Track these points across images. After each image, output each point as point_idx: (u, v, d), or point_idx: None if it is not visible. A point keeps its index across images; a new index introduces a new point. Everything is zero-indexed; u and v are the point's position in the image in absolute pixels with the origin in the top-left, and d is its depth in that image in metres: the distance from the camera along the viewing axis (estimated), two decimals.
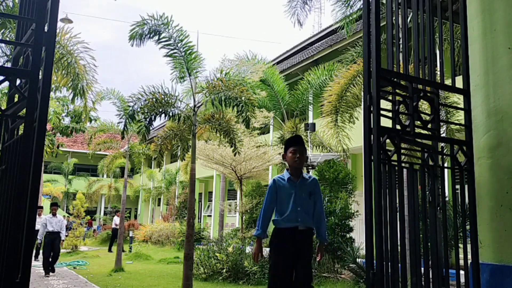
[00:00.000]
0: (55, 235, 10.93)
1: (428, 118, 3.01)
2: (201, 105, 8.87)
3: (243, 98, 8.10)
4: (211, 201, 24.29)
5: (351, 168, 14.01)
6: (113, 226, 19.62)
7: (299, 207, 3.91)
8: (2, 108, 2.37)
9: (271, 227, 4.02)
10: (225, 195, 20.39)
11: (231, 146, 9.13)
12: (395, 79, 2.96)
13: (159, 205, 31.91)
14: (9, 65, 6.21)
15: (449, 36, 3.59)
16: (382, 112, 2.76)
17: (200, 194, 26.55)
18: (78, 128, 20.59)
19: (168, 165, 29.14)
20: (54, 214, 11.10)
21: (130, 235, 19.17)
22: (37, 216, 13.96)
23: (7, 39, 8.09)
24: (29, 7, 2.42)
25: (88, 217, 27.24)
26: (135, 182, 34.75)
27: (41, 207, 15.24)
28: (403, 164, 2.85)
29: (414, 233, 2.81)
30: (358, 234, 11.27)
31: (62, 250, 16.78)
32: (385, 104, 2.82)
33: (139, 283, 9.72)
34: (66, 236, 17.14)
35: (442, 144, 3.27)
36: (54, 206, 11.57)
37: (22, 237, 2.05)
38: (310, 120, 14.76)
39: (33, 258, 13.61)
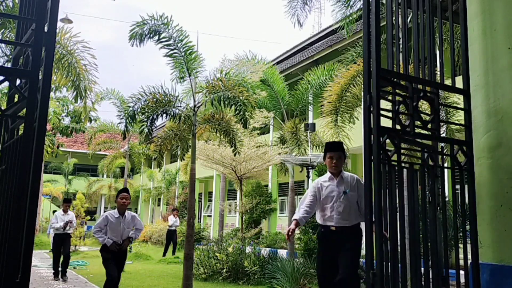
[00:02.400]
0: (122, 252, 6.33)
1: (428, 118, 3.01)
2: (201, 105, 8.87)
3: (241, 98, 8.11)
4: (211, 201, 24.28)
5: (351, 168, 14.01)
6: (169, 227, 16.30)
7: None
8: (2, 108, 2.37)
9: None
10: (225, 195, 20.39)
11: (231, 146, 9.13)
12: (395, 79, 2.96)
13: (159, 205, 31.90)
14: (9, 65, 6.22)
15: (449, 36, 3.59)
16: (382, 112, 2.76)
17: (200, 194, 26.55)
18: (78, 128, 20.61)
19: (168, 165, 29.12)
20: (122, 211, 6.39)
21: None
22: (62, 213, 10.06)
23: (7, 39, 8.10)
24: (29, 7, 2.42)
25: (88, 217, 27.25)
26: (135, 182, 34.75)
27: (69, 200, 11.12)
28: (403, 164, 2.85)
29: (414, 233, 2.81)
30: None
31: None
32: (385, 104, 2.82)
33: (139, 283, 9.71)
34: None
35: (442, 144, 3.27)
36: (124, 192, 6.61)
37: (22, 237, 2.05)
38: (310, 120, 14.76)
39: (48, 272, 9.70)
